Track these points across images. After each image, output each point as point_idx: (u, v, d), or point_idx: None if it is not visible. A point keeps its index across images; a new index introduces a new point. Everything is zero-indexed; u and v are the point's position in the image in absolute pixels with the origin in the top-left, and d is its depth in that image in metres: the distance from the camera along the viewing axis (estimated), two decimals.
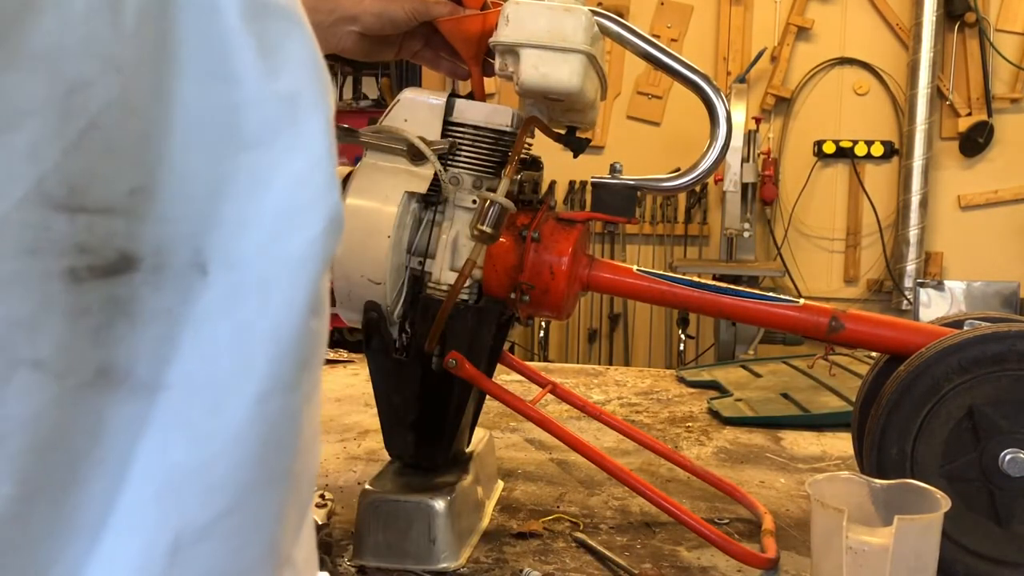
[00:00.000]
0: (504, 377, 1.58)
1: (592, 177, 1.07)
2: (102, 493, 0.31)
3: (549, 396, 1.19)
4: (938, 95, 3.91)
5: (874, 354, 1.17)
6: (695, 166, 1.04)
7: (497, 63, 0.99)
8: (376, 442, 1.34)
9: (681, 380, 1.89)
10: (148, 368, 0.31)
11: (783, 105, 4.10)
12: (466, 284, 0.98)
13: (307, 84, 0.35)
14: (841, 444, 1.44)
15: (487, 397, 1.14)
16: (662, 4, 4.15)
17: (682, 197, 4.17)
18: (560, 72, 0.94)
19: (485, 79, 1.04)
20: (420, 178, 0.99)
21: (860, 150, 4.01)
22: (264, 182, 0.33)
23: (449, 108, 1.01)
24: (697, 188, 4.07)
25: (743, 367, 1.98)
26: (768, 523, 1.07)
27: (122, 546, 0.31)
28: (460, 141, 1.00)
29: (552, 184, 3.90)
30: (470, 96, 1.04)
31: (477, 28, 0.99)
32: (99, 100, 0.29)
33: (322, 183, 0.35)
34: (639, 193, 1.06)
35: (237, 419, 0.33)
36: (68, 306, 0.28)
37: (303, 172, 0.34)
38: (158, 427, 0.32)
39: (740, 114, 3.45)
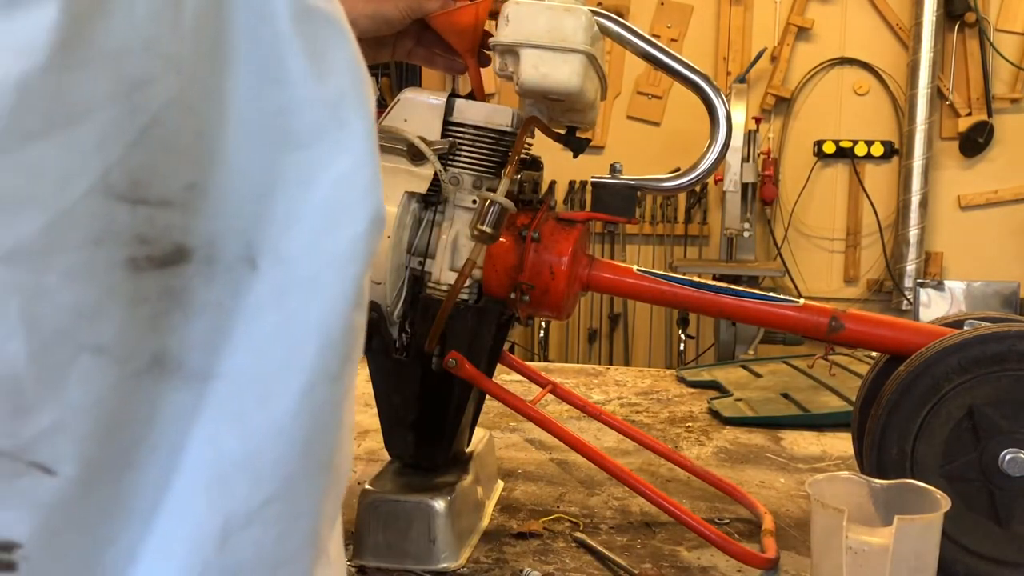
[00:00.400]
0: (504, 377, 1.58)
1: (592, 177, 1.07)
2: (156, 479, 0.32)
3: (549, 396, 1.19)
4: (938, 95, 3.91)
5: (874, 354, 1.17)
6: (695, 166, 1.04)
7: (497, 63, 0.98)
8: (376, 442, 1.34)
9: (681, 380, 1.89)
10: (200, 358, 0.33)
11: (783, 105, 4.10)
12: (466, 284, 0.98)
13: (351, 88, 0.37)
14: (841, 444, 1.44)
15: (487, 397, 1.14)
16: (662, 4, 4.15)
17: (682, 197, 4.17)
18: (560, 72, 0.94)
19: (483, 73, 1.04)
20: (420, 178, 0.99)
21: (860, 150, 4.01)
22: (311, 181, 0.35)
23: (449, 108, 1.01)
24: (697, 188, 4.07)
25: (743, 367, 1.98)
26: (768, 523, 1.07)
27: (174, 530, 0.33)
28: (460, 141, 1.00)
29: (552, 184, 3.90)
30: (470, 96, 1.04)
31: (470, 20, 0.99)
32: (160, 98, 0.30)
33: (366, 183, 0.36)
34: (639, 193, 1.06)
35: (284, 409, 0.34)
36: (128, 294, 0.30)
37: (348, 172, 0.36)
38: (209, 416, 0.33)
39: (740, 114, 3.45)
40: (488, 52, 1.01)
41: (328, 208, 0.35)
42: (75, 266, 0.29)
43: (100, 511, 0.31)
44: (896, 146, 4.00)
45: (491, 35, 0.99)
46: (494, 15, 0.98)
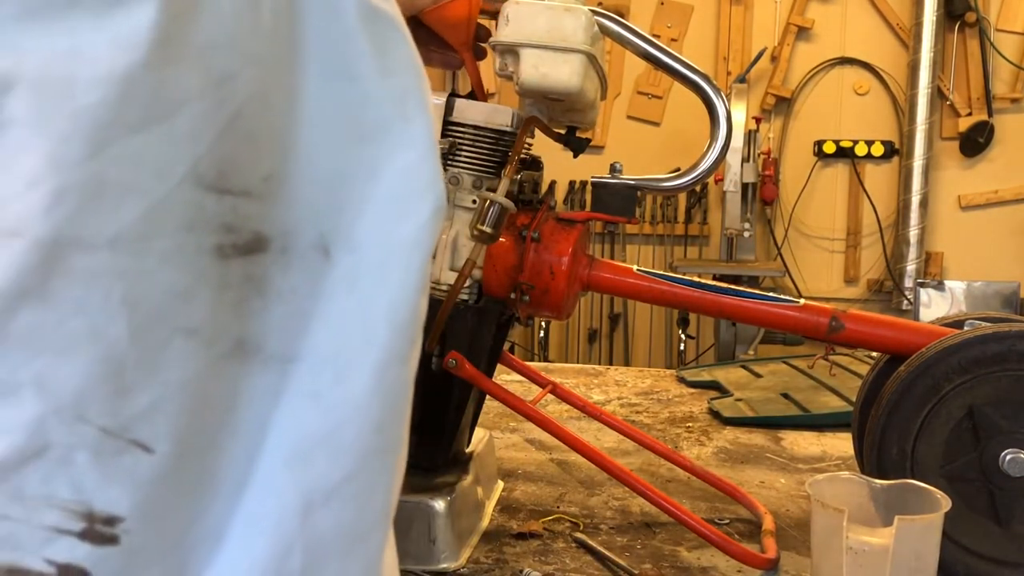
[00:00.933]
0: (504, 377, 1.58)
1: (592, 177, 1.07)
2: (241, 456, 0.34)
3: (549, 396, 1.19)
4: (938, 95, 3.90)
5: (874, 354, 1.17)
6: (695, 166, 1.04)
7: (497, 63, 0.98)
8: None
9: (681, 380, 1.89)
10: (279, 342, 0.34)
11: (783, 105, 4.09)
12: (466, 284, 0.97)
13: (414, 84, 0.39)
14: (841, 444, 1.44)
15: (487, 397, 1.14)
16: (662, 4, 4.15)
17: (682, 197, 4.17)
18: (560, 72, 0.94)
19: (483, 72, 1.04)
20: None
21: (860, 150, 4.00)
22: (379, 172, 0.37)
23: (449, 108, 1.00)
24: (697, 188, 4.07)
25: (743, 367, 1.98)
26: (768, 523, 1.07)
27: (260, 505, 0.34)
28: (460, 141, 1.00)
29: (552, 184, 3.90)
30: (470, 96, 1.04)
31: (463, 14, 0.98)
32: (243, 92, 0.32)
33: (430, 174, 0.38)
34: (639, 193, 1.06)
35: (360, 389, 0.36)
36: (216, 280, 0.32)
37: (413, 163, 0.38)
38: (290, 396, 0.35)
39: (740, 114, 3.45)
40: (483, 45, 1.00)
41: (395, 198, 0.37)
42: (170, 251, 0.30)
43: (191, 487, 0.33)
44: (896, 146, 4.00)
45: (485, 28, 0.99)
46: (493, 15, 0.98)
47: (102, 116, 0.28)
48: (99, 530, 0.30)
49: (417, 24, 1.01)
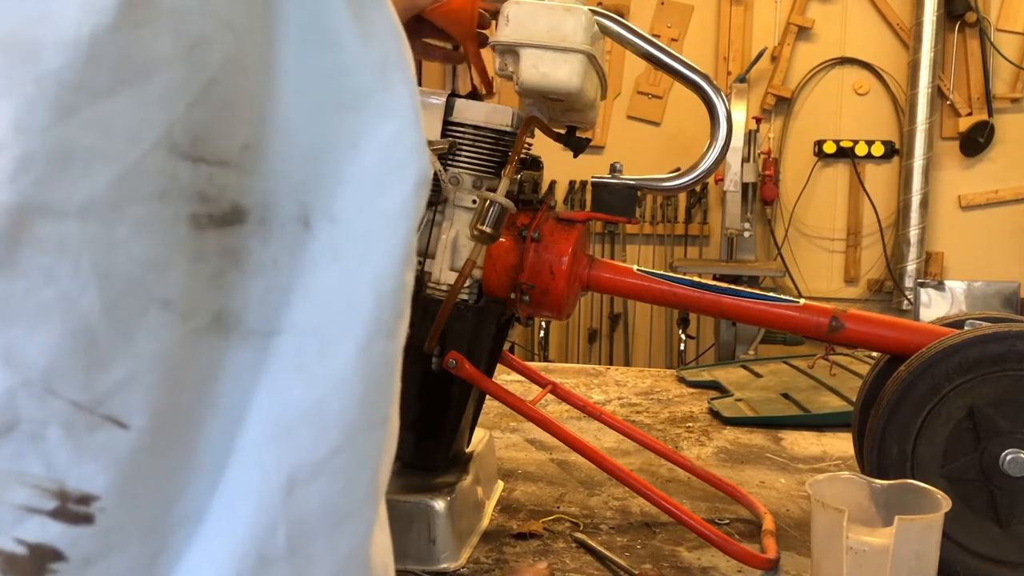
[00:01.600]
0: (504, 377, 1.58)
1: (592, 177, 1.07)
2: (221, 433, 0.33)
3: (549, 396, 1.19)
4: (939, 95, 3.90)
5: (875, 354, 1.17)
6: (695, 166, 1.04)
7: (497, 63, 0.98)
8: None
9: (681, 380, 1.89)
10: (258, 315, 0.34)
11: (783, 105, 4.09)
12: (466, 284, 0.97)
13: (395, 50, 0.38)
14: (841, 444, 1.44)
15: (487, 397, 1.14)
16: (662, 4, 4.15)
17: (682, 197, 4.17)
18: (560, 72, 0.94)
19: (485, 60, 1.03)
20: None
21: (860, 150, 4.00)
22: (360, 142, 0.36)
23: (449, 108, 1.00)
24: (697, 188, 4.07)
25: (743, 367, 1.98)
26: (768, 523, 1.07)
27: (242, 482, 0.33)
28: (460, 141, 1.00)
29: (552, 184, 3.90)
30: (471, 96, 1.04)
31: (466, 5, 0.98)
32: (218, 57, 0.31)
33: (413, 143, 0.38)
34: (639, 193, 1.06)
35: (345, 362, 0.35)
36: (191, 251, 0.31)
37: (396, 133, 0.37)
38: (272, 370, 0.34)
39: (740, 114, 3.45)
40: (484, 32, 1.00)
41: (378, 168, 0.36)
42: (143, 220, 0.30)
43: (169, 465, 0.32)
44: (896, 146, 4.00)
45: (486, 16, 0.99)
46: (493, 15, 0.98)
47: (69, 80, 0.28)
48: (73, 509, 0.29)
49: (418, 19, 1.01)
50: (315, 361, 0.35)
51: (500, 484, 1.20)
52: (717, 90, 1.02)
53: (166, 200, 0.30)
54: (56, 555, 0.29)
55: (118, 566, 0.31)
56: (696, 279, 1.06)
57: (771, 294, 1.06)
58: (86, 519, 0.30)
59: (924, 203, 3.92)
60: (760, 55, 3.88)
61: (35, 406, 0.29)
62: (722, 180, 3.50)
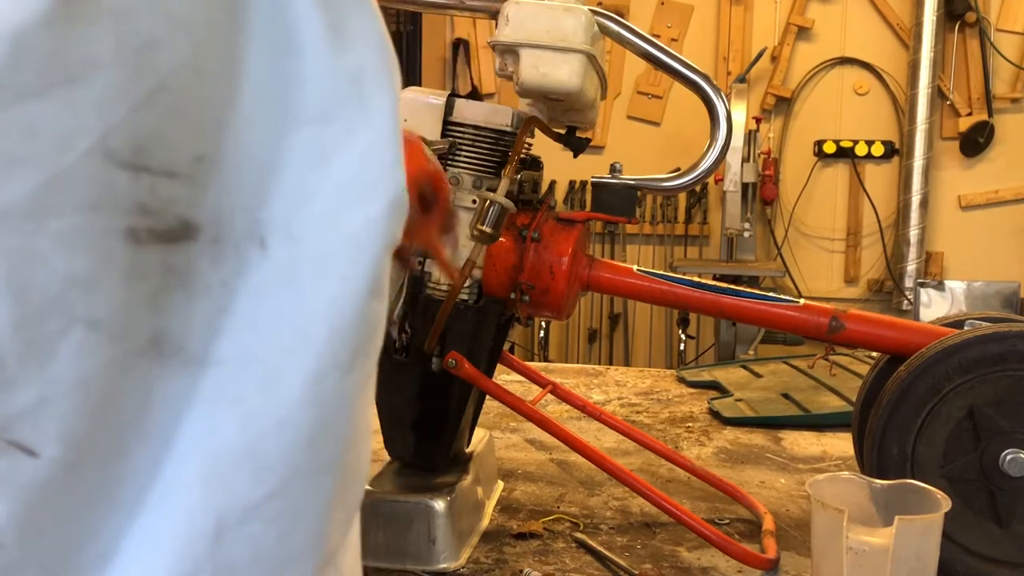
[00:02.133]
0: (504, 377, 1.58)
1: (592, 177, 1.07)
2: (147, 467, 0.30)
3: (549, 396, 1.19)
4: (938, 95, 3.90)
5: (875, 354, 1.17)
6: (695, 166, 1.04)
7: (497, 63, 0.98)
8: (376, 442, 1.34)
9: (681, 380, 1.89)
10: (201, 341, 0.31)
11: (783, 105, 4.09)
12: (466, 284, 0.97)
13: (374, 62, 0.35)
14: (841, 444, 1.44)
15: (487, 397, 1.14)
16: (662, 4, 4.15)
17: (682, 197, 4.17)
18: (560, 72, 0.94)
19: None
20: None
21: (860, 150, 4.00)
22: (327, 157, 0.33)
23: (449, 108, 1.00)
24: (697, 188, 4.07)
25: (743, 367, 1.98)
26: (768, 523, 1.07)
27: (164, 524, 0.30)
28: (460, 141, 1.00)
29: (552, 184, 3.90)
30: (471, 96, 1.04)
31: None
32: (169, 61, 0.29)
33: (386, 162, 0.35)
34: (639, 193, 1.06)
35: (290, 398, 0.32)
36: (127, 267, 0.28)
37: (367, 149, 0.34)
38: (208, 402, 0.31)
39: (740, 114, 3.45)
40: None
41: (345, 186, 0.33)
42: (69, 232, 0.27)
43: (84, 499, 0.29)
44: (896, 146, 4.00)
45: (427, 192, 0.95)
46: (493, 15, 0.98)
47: None
48: None
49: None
50: (255, 394, 0.32)
51: (500, 484, 1.20)
52: (717, 90, 1.02)
53: (99, 211, 0.27)
54: None
55: None
56: (696, 279, 1.06)
57: (771, 294, 1.06)
58: None
59: (924, 203, 3.92)
60: (760, 55, 3.88)
61: None
62: (722, 180, 3.50)
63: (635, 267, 1.07)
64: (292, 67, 0.32)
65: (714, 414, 1.60)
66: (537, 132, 1.05)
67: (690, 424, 1.55)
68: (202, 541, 0.31)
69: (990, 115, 3.88)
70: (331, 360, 0.33)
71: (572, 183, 4.14)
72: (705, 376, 1.90)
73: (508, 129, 1.00)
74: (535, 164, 1.10)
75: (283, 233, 0.32)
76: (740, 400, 1.66)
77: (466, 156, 1.00)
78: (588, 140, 1.11)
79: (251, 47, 0.31)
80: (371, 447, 0.40)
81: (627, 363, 4.20)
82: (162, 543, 0.30)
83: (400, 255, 0.76)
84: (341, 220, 0.33)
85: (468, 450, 1.13)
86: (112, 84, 0.27)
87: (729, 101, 1.09)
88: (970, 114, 3.91)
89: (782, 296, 1.05)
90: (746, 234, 3.69)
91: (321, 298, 0.33)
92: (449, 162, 1.00)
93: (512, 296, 1.01)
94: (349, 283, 0.33)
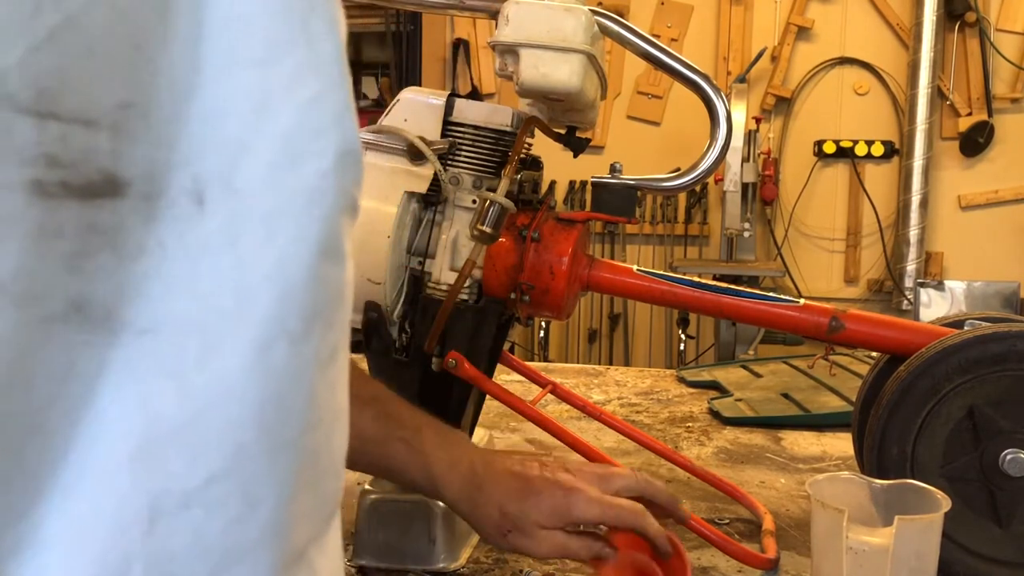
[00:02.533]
0: (504, 377, 1.58)
1: (592, 177, 1.07)
2: (70, 445, 0.27)
3: (549, 396, 1.19)
4: (938, 95, 3.90)
5: (874, 354, 1.17)
6: (695, 166, 1.04)
7: (497, 63, 0.98)
8: None
9: (681, 380, 1.89)
10: (133, 307, 0.28)
11: (783, 105, 4.09)
12: (466, 284, 0.97)
13: (320, 3, 0.32)
14: (841, 444, 1.44)
15: (487, 397, 1.14)
16: (662, 4, 4.15)
17: (682, 197, 4.17)
18: (560, 72, 0.94)
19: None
20: (420, 178, 0.99)
21: (860, 150, 4.00)
22: (271, 104, 0.30)
23: (449, 108, 1.00)
24: (697, 188, 4.07)
25: (743, 367, 1.98)
26: (768, 523, 1.07)
27: (91, 507, 0.28)
28: (460, 141, 1.00)
29: (552, 184, 3.90)
30: (470, 96, 1.04)
31: None
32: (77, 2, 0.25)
33: (335, 110, 0.32)
34: (639, 193, 1.06)
35: (233, 368, 0.29)
36: (34, 224, 0.25)
37: (315, 97, 0.31)
38: (140, 374, 0.28)
39: (740, 114, 3.45)
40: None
41: (290, 137, 0.30)
42: None
43: (1, 483, 0.26)
44: (896, 146, 4.00)
45: None
46: (493, 15, 0.98)
47: None
48: None
49: None
50: (193, 365, 0.29)
51: None
52: (717, 90, 1.02)
53: None
54: None
55: None
56: (696, 279, 1.06)
57: (771, 294, 1.06)
58: None
59: (924, 203, 3.92)
60: (760, 55, 3.88)
61: None
62: (722, 180, 3.50)
63: (635, 267, 1.07)
64: (231, 5, 0.29)
65: (714, 414, 1.60)
66: (537, 132, 1.05)
67: (690, 424, 1.55)
68: (133, 528, 0.28)
69: (990, 115, 3.88)
70: (279, 327, 0.30)
71: (572, 183, 4.14)
72: (705, 376, 1.90)
73: (508, 129, 1.00)
74: (535, 164, 1.10)
75: (223, 188, 0.29)
76: (740, 400, 1.66)
77: (466, 156, 1.00)
78: (588, 140, 1.11)
79: None
80: (347, 432, 0.37)
81: (627, 363, 4.20)
82: (88, 530, 0.28)
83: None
84: (287, 174, 0.30)
85: None
86: (4, 19, 0.24)
87: (729, 101, 1.09)
88: (970, 114, 3.91)
89: (782, 296, 1.05)
90: (746, 234, 3.69)
91: (266, 259, 0.30)
92: (449, 162, 1.00)
93: (512, 296, 1.01)
94: (297, 244, 0.30)
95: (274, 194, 0.30)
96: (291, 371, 0.31)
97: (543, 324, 4.06)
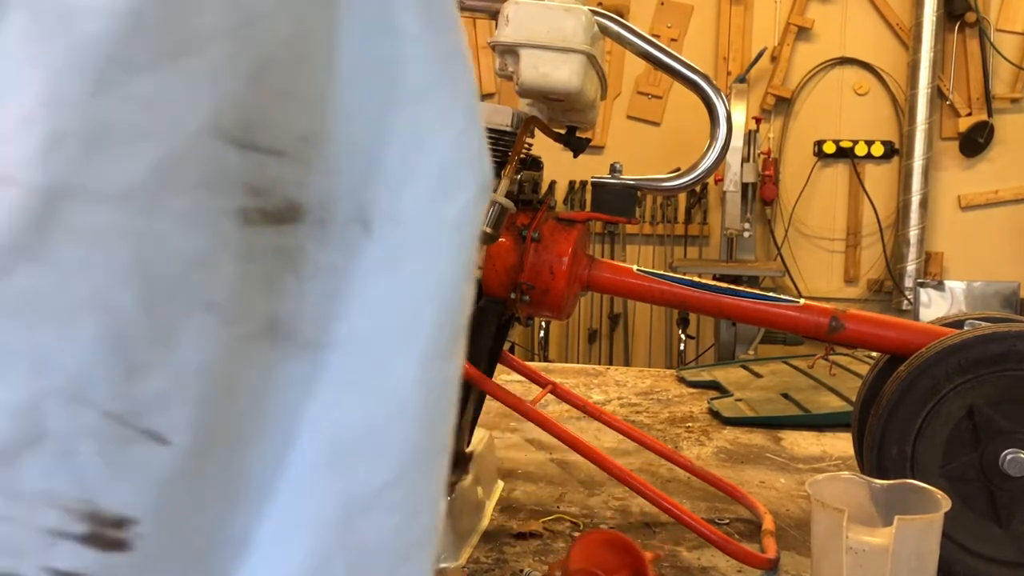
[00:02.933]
0: (504, 377, 1.58)
1: (592, 177, 1.07)
2: (271, 454, 0.30)
3: (549, 396, 1.19)
4: (938, 95, 3.90)
5: (874, 354, 1.17)
6: (695, 166, 1.04)
7: (497, 63, 0.98)
8: None
9: (681, 380, 1.89)
10: (314, 325, 0.31)
11: (783, 105, 4.09)
12: None
13: (460, 46, 0.34)
14: (841, 444, 1.44)
15: (487, 397, 1.14)
16: (662, 4, 4.15)
17: (682, 197, 4.17)
18: (560, 72, 0.94)
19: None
20: None
21: (860, 150, 4.00)
22: (424, 139, 0.32)
23: None
24: (697, 188, 4.07)
25: (743, 367, 1.98)
26: (768, 523, 1.07)
27: (295, 510, 0.30)
28: None
29: (552, 184, 3.90)
30: None
31: None
32: (274, 36, 0.28)
33: (477, 144, 0.34)
34: (639, 193, 1.06)
35: (405, 380, 0.32)
36: (240, 248, 0.28)
37: (461, 132, 0.34)
38: (325, 387, 0.31)
39: (740, 114, 3.45)
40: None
41: (443, 170, 0.33)
42: (186, 211, 0.27)
43: (213, 488, 0.29)
44: (896, 146, 4.00)
45: None
46: (493, 15, 0.98)
47: (105, 50, 0.25)
48: (107, 534, 0.26)
49: None
50: (371, 378, 0.31)
51: (500, 484, 1.20)
52: (717, 90, 1.02)
53: (212, 190, 0.27)
54: None
55: None
56: (696, 279, 1.06)
57: (771, 294, 1.06)
58: (121, 546, 0.26)
59: (924, 203, 3.92)
60: (760, 55, 3.88)
61: (64, 417, 0.25)
62: (722, 180, 3.50)
63: (635, 267, 1.07)
64: (389, 46, 0.32)
65: (714, 414, 1.60)
66: (537, 132, 1.05)
67: (690, 424, 1.55)
68: (332, 527, 0.31)
69: (990, 115, 3.88)
70: (438, 345, 0.33)
71: (572, 183, 4.14)
72: (705, 376, 1.90)
73: (508, 129, 1.00)
74: (535, 164, 1.10)
75: (387, 216, 0.32)
76: (740, 400, 1.66)
77: None
78: (588, 140, 1.11)
79: (348, 25, 0.31)
80: None
81: (627, 363, 4.20)
82: (294, 531, 0.30)
83: None
84: (441, 204, 0.33)
85: (468, 450, 1.13)
86: (222, 58, 0.27)
87: (729, 101, 1.09)
88: (970, 114, 3.91)
89: (782, 296, 1.05)
90: (746, 234, 3.69)
91: (427, 282, 0.32)
92: None
93: (512, 296, 1.01)
94: (450, 268, 0.33)
95: (433, 223, 0.33)
96: (444, 383, 0.33)
97: (543, 324, 4.05)
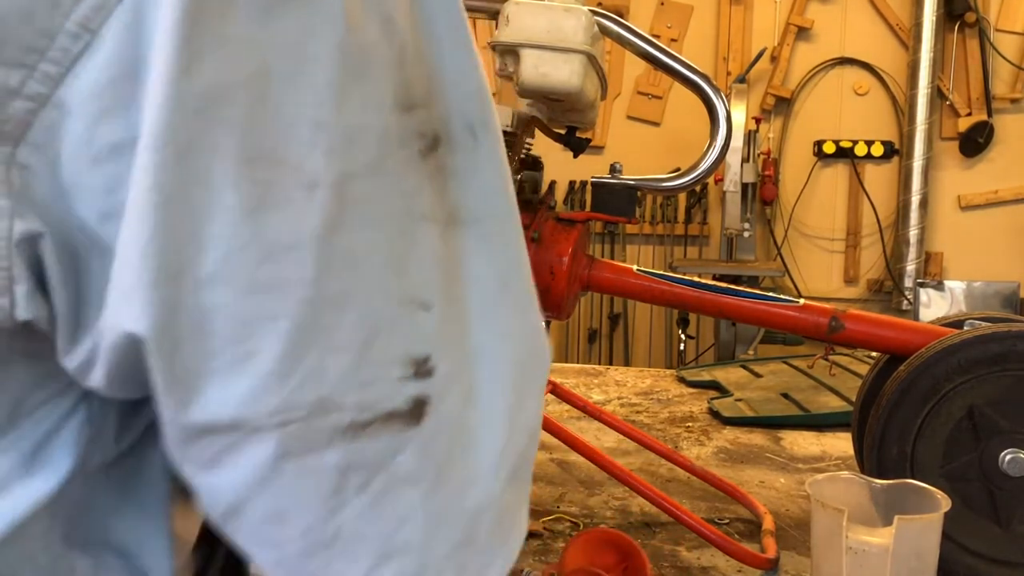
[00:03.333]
0: None
1: (592, 177, 1.07)
2: (479, 304, 0.42)
3: (549, 396, 1.19)
4: (938, 95, 3.90)
5: (874, 354, 1.17)
6: (695, 166, 1.04)
7: (497, 63, 0.98)
8: None
9: (681, 380, 1.89)
10: (465, 209, 0.41)
11: (783, 105, 4.09)
12: None
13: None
14: (841, 444, 1.44)
15: None
16: (662, 4, 4.15)
17: (682, 197, 4.17)
18: (560, 72, 0.94)
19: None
20: None
21: (860, 150, 4.00)
22: (482, 70, 0.43)
23: None
24: (697, 188, 4.07)
25: (743, 367, 1.98)
26: (768, 523, 1.07)
27: (493, 335, 0.42)
28: None
29: (552, 184, 3.89)
30: None
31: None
32: (400, 30, 0.39)
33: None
34: (639, 193, 1.06)
35: (516, 238, 0.44)
36: (427, 176, 0.39)
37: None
38: (488, 249, 0.42)
39: (740, 114, 3.45)
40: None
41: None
42: (402, 162, 0.38)
43: (457, 333, 0.41)
44: (896, 146, 4.00)
45: None
46: (493, 15, 0.98)
47: (336, 79, 0.36)
48: (423, 368, 0.39)
49: None
50: (503, 239, 0.43)
51: None
52: (717, 90, 1.02)
53: (405, 145, 0.38)
54: (425, 400, 0.39)
55: (453, 398, 0.40)
56: (696, 279, 1.06)
57: (771, 294, 1.06)
58: (430, 373, 0.39)
59: (924, 203, 3.92)
60: (760, 55, 3.88)
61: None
62: (722, 180, 3.50)
63: (635, 267, 1.07)
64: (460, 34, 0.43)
65: (714, 414, 1.60)
66: (537, 132, 1.05)
67: (690, 424, 1.56)
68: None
69: (990, 115, 3.88)
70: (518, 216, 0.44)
71: (572, 183, 4.14)
72: (705, 376, 1.90)
73: (508, 129, 1.00)
74: (535, 164, 1.10)
75: (483, 125, 0.42)
76: (740, 400, 1.66)
77: None
78: (588, 140, 1.11)
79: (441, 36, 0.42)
80: None
81: (627, 363, 4.20)
82: (505, 339, 0.44)
83: None
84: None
85: None
86: (385, 53, 0.38)
87: (729, 101, 1.09)
88: (970, 114, 3.91)
89: (782, 296, 1.05)
90: (746, 234, 3.69)
91: (507, 174, 0.43)
92: None
93: None
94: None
95: (497, 128, 0.44)
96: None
97: (543, 324, 4.05)
